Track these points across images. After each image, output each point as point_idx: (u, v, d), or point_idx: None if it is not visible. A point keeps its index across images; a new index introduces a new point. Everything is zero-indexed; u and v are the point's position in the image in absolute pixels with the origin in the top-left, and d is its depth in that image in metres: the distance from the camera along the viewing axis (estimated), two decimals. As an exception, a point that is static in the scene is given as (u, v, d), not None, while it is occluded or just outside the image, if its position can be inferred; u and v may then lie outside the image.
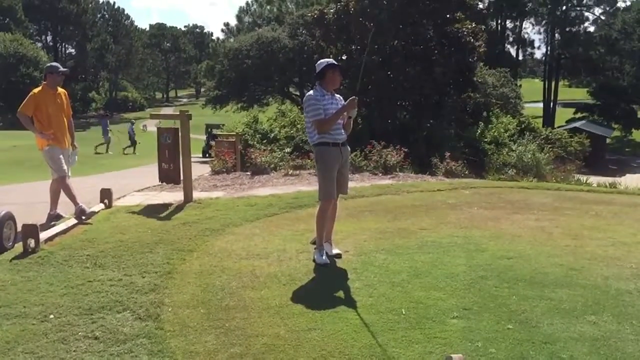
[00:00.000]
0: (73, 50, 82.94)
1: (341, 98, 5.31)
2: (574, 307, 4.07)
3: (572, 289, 4.42)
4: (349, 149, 5.46)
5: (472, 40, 18.93)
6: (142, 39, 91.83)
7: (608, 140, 43.12)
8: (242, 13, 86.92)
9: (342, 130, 5.24)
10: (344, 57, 18.32)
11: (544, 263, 5.08)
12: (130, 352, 3.41)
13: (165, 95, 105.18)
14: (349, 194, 8.57)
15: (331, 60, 5.27)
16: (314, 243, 5.71)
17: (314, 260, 5.12)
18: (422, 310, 4.04)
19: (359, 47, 17.18)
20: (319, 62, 5.24)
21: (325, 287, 4.50)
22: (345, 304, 4.16)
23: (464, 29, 19.00)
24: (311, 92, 5.23)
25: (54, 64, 6.99)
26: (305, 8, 41.42)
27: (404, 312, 3.98)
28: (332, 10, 19.72)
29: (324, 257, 5.11)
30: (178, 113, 7.70)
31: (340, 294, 4.38)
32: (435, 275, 4.75)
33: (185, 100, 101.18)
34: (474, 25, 19.19)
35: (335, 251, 5.32)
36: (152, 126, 63.96)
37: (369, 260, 5.16)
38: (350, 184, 9.86)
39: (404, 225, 6.60)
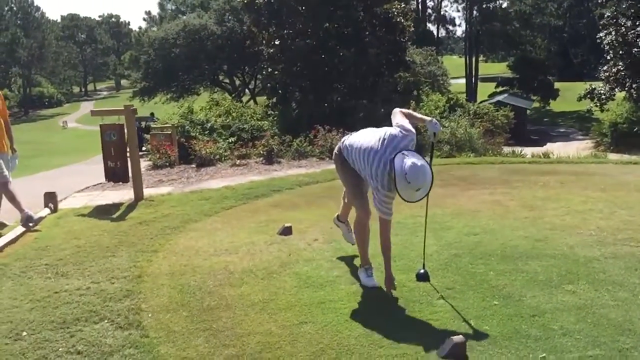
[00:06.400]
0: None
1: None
2: (550, 278, 4.21)
3: (543, 260, 4.57)
4: None
5: (402, 20, 19.17)
6: (54, 31, 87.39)
7: (528, 112, 44.85)
8: (164, 0, 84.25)
9: None
10: (277, 42, 18.10)
11: (509, 236, 5.23)
12: (119, 364, 3.24)
13: (83, 89, 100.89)
14: (302, 181, 8.59)
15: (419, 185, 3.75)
16: (280, 234, 5.62)
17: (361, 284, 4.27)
18: (407, 293, 4.06)
19: (291, 32, 17.04)
20: (415, 170, 3.68)
21: (305, 279, 4.43)
22: (329, 294, 4.11)
23: (393, 9, 19.19)
24: (384, 177, 3.88)
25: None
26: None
27: (391, 297, 3.99)
28: (262, -6, 19.45)
29: (364, 279, 4.27)
30: (122, 108, 7.36)
31: (322, 284, 4.32)
32: (410, 257, 4.78)
33: (105, 93, 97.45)
34: (403, 6, 19.45)
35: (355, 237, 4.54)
36: (72, 122, 61.55)
37: (340, 247, 5.14)
38: (300, 171, 9.86)
39: (366, 208, 6.60)
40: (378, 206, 3.99)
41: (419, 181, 3.70)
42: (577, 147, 24.36)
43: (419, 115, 4.23)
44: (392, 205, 3.99)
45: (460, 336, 3.21)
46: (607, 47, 28.16)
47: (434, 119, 4.10)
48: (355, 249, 4.95)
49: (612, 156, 16.01)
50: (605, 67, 28.96)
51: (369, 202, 4.25)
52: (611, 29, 27.70)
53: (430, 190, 3.87)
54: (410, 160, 3.70)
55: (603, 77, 29.11)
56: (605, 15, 28.81)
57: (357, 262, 4.72)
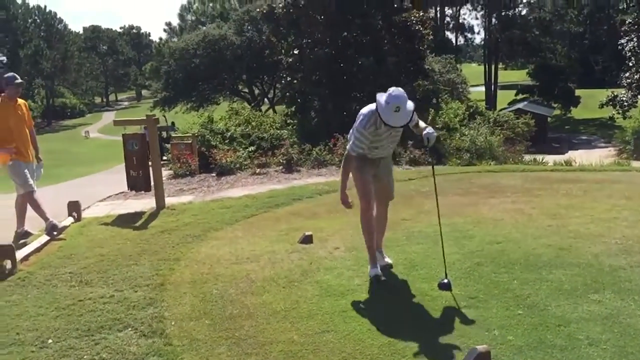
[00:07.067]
0: (4, 58, 79.20)
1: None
2: (575, 287, 4.15)
3: (568, 269, 4.51)
4: (390, 158, 4.86)
5: (420, 28, 19.17)
6: (77, 42, 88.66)
7: (549, 120, 44.50)
8: (184, 11, 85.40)
9: (385, 150, 4.62)
10: (296, 52, 18.23)
11: (533, 245, 5.17)
12: (143, 372, 3.26)
13: (105, 100, 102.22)
14: (322, 189, 8.60)
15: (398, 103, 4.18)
16: (301, 242, 5.63)
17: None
18: (430, 302, 4.04)
19: (310, 41, 17.13)
20: (391, 97, 4.19)
21: (326, 287, 4.42)
22: (351, 303, 4.10)
23: (412, 18, 19.22)
24: (367, 113, 4.38)
25: (11, 74, 6.61)
26: (249, 3, 40.94)
27: (413, 306, 3.97)
28: (280, 5, 19.54)
29: (373, 269, 4.56)
30: (144, 118, 7.45)
31: (344, 292, 4.31)
32: (432, 266, 4.75)
33: (126, 103, 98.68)
34: (421, 14, 19.46)
35: (387, 260, 4.82)
36: (94, 132, 62.39)
37: (361, 256, 5.10)
38: (319, 179, 9.86)
39: (386, 217, 6.58)
40: (350, 143, 4.48)
41: (396, 100, 4.15)
42: (600, 155, 24.05)
43: (421, 123, 4.64)
44: (362, 145, 4.40)
45: (485, 346, 3.18)
46: (628, 54, 27.88)
47: (429, 127, 4.50)
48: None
49: (636, 164, 15.80)
50: (627, 74, 28.65)
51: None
52: (633, 36, 27.44)
53: (409, 121, 4.27)
54: (390, 89, 4.25)
55: (625, 84, 28.81)
56: (627, 22, 28.55)
57: (378, 270, 4.72)
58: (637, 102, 28.72)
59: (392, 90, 4.25)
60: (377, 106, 4.26)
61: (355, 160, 4.54)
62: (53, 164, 25.30)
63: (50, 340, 3.67)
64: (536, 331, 3.49)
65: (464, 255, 4.96)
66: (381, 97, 4.27)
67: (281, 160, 11.30)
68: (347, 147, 4.59)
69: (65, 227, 6.53)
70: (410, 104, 4.28)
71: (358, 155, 4.50)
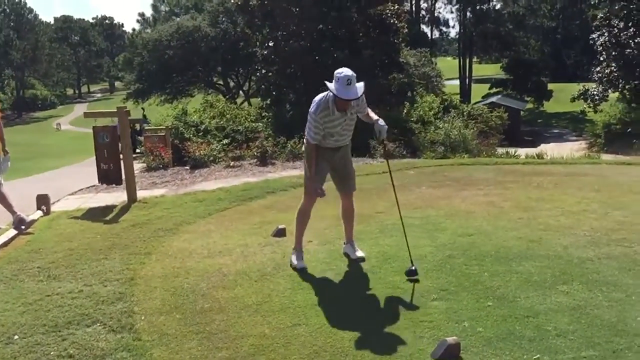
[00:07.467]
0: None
1: (358, 104, 4.44)
2: (544, 278, 4.20)
3: (537, 261, 4.56)
4: (350, 145, 4.77)
5: (395, 21, 19.20)
6: (47, 33, 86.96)
7: (522, 113, 45.00)
8: (157, 2, 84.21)
9: (342, 138, 4.57)
10: (270, 44, 18.13)
11: (503, 237, 5.22)
12: (111, 367, 3.21)
13: (77, 91, 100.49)
14: (296, 182, 8.57)
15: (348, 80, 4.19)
16: (274, 236, 5.61)
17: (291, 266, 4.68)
18: (401, 294, 4.05)
19: (284, 33, 17.03)
20: (341, 73, 4.22)
21: (298, 281, 4.41)
22: (323, 296, 4.10)
23: (387, 11, 19.22)
24: (320, 99, 4.43)
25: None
26: (224, -6, 40.62)
27: (384, 299, 3.97)
28: (255, -4, 19.43)
29: (295, 260, 4.69)
30: (115, 110, 7.33)
31: (315, 286, 4.31)
32: (404, 259, 4.73)
33: (99, 95, 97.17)
34: (396, 7, 19.48)
35: (358, 254, 4.82)
36: (65, 124, 61.36)
37: (335, 249, 5.12)
38: (294, 172, 9.83)
39: (360, 210, 6.50)
40: (307, 131, 4.54)
41: (346, 73, 4.17)
42: (571, 148, 24.42)
43: (372, 114, 4.61)
44: (318, 132, 4.42)
45: (454, 337, 3.21)
46: (600, 49, 28.25)
47: (380, 120, 4.45)
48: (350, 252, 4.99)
49: (606, 157, 16.07)
50: (598, 68, 29.02)
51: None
52: (604, 30, 27.81)
53: (360, 100, 4.33)
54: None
55: (596, 78, 29.19)
56: (598, 17, 28.93)
57: (351, 263, 4.73)
58: (607, 96, 29.15)
59: (339, 69, 4.28)
60: (328, 89, 4.28)
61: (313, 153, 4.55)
62: (23, 156, 24.81)
63: (16, 336, 3.59)
64: (505, 322, 3.53)
65: (436, 248, 4.99)
66: (330, 83, 4.31)
67: (256, 153, 11.25)
68: (305, 136, 4.65)
69: (33, 221, 6.41)
70: (360, 83, 4.30)
71: (315, 145, 4.50)
